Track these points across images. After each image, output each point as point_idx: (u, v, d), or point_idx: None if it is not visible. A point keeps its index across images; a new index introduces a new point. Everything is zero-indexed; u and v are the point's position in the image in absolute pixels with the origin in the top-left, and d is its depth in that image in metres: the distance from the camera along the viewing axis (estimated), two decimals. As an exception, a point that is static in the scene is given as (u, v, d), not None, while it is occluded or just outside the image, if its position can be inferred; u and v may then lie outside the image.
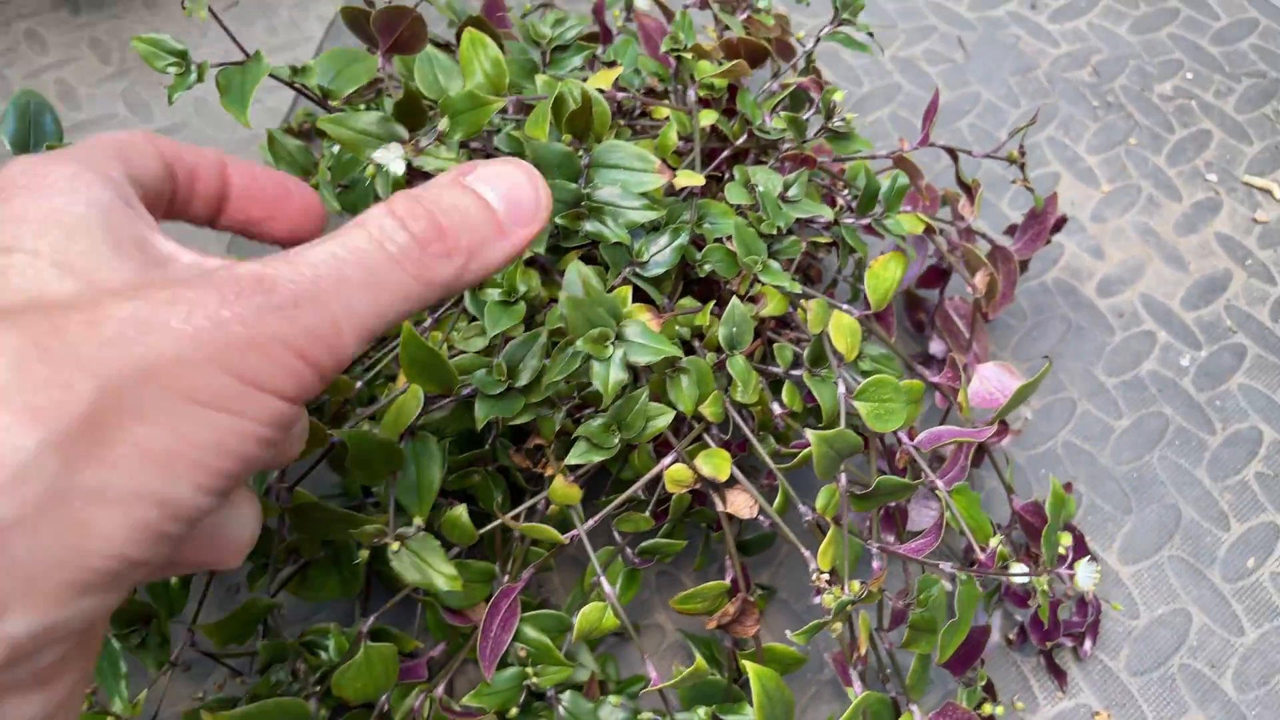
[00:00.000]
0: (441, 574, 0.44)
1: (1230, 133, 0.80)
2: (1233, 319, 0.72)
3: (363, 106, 0.59)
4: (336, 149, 0.60)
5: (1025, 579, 0.40)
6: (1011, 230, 0.66)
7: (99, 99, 0.79)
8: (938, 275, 0.65)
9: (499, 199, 0.34)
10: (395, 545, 0.43)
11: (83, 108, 0.78)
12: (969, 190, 0.58)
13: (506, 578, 0.52)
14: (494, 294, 0.46)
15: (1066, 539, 0.38)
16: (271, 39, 0.82)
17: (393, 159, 0.44)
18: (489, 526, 0.49)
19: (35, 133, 0.53)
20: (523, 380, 0.44)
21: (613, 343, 0.39)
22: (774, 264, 0.47)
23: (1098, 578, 0.38)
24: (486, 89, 0.51)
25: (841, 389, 0.47)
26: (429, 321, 0.51)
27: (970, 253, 0.58)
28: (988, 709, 0.53)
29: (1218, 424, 0.68)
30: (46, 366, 0.25)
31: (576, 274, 0.42)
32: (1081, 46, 0.85)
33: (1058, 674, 0.59)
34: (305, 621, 0.60)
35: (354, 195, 0.60)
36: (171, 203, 0.37)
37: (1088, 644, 0.59)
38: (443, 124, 0.47)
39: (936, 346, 0.67)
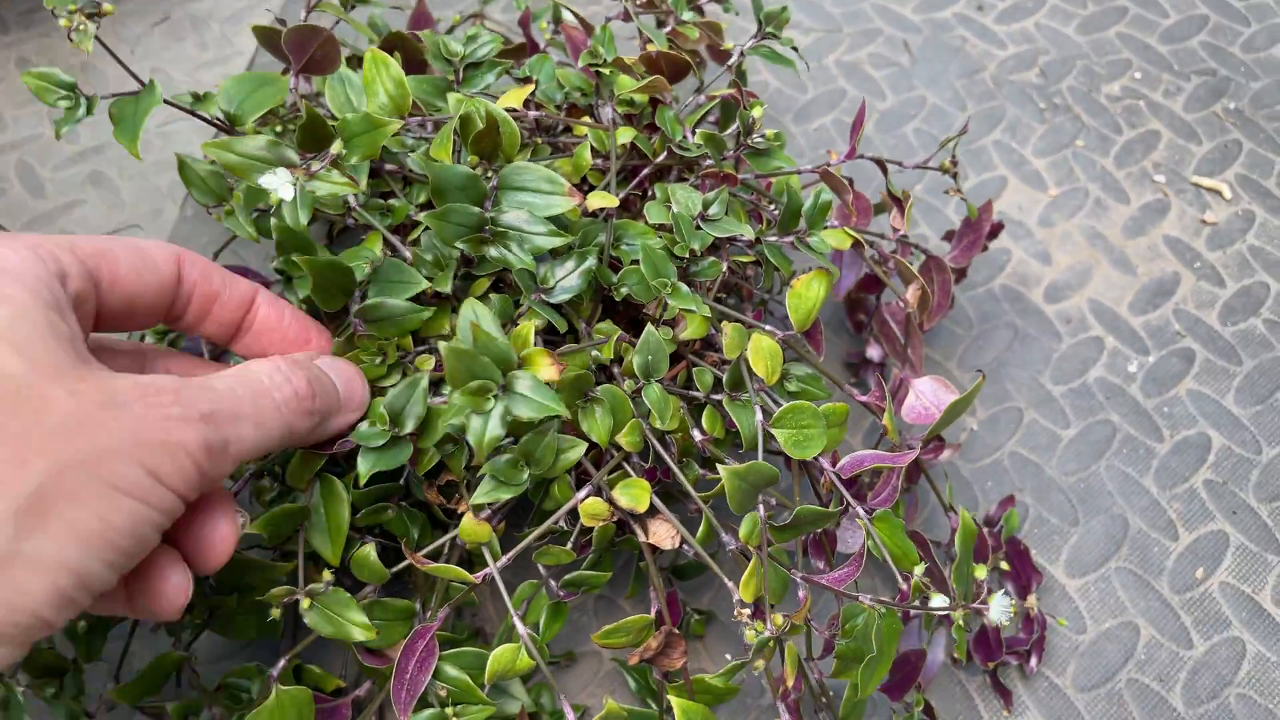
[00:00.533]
0: (355, 625, 0.43)
1: (1179, 133, 0.79)
2: (1181, 323, 0.71)
3: (278, 129, 0.58)
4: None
5: (945, 611, 0.39)
6: (949, 237, 0.65)
7: (24, 120, 0.77)
8: (874, 280, 0.64)
9: (341, 385, 0.43)
10: (306, 602, 0.42)
11: (8, 129, 0.77)
12: (899, 202, 0.57)
13: (429, 614, 0.51)
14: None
15: (981, 571, 0.37)
16: (203, 54, 0.80)
17: (280, 184, 0.43)
18: (402, 564, 0.47)
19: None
20: (408, 428, 0.43)
21: (495, 395, 0.38)
22: (684, 287, 0.45)
23: (1012, 611, 0.36)
24: (389, 110, 0.49)
25: (759, 416, 0.46)
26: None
27: (901, 265, 0.56)
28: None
29: (1166, 431, 0.67)
30: (5, 446, 0.30)
31: (470, 314, 0.40)
32: (1029, 48, 0.83)
33: (1003, 693, 0.58)
34: (231, 659, 0.58)
35: (268, 222, 0.58)
36: (173, 314, 0.43)
37: (1033, 661, 0.58)
38: (335, 146, 0.45)
39: (874, 350, 0.65)
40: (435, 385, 0.47)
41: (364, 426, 0.42)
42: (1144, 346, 0.70)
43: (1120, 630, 0.60)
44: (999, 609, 0.36)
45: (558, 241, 0.44)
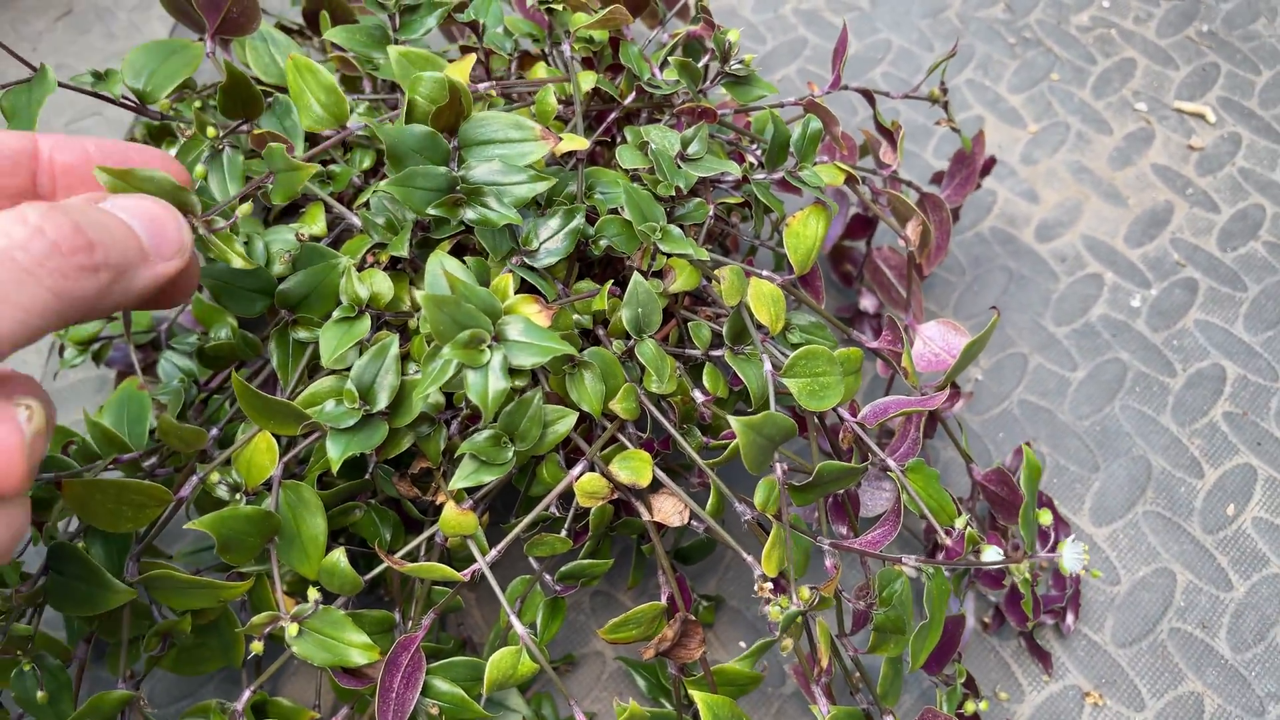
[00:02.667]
0: (355, 647, 0.37)
1: (1155, 59, 0.75)
2: (1180, 252, 0.67)
3: (197, 104, 0.52)
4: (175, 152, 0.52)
5: (1000, 564, 0.34)
6: (938, 179, 0.61)
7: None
8: (863, 225, 0.59)
9: (142, 229, 0.33)
10: (294, 629, 0.36)
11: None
12: (890, 135, 0.53)
13: (409, 624, 0.45)
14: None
15: (1046, 516, 0.33)
16: (110, 45, 0.73)
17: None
18: (377, 570, 0.42)
19: None
20: (380, 403, 0.37)
21: (490, 345, 0.32)
22: (675, 230, 0.40)
23: (1086, 558, 0.32)
24: (326, 122, 0.44)
25: (768, 366, 0.41)
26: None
27: (898, 201, 0.52)
28: (970, 707, 0.47)
29: (1178, 365, 0.63)
30: None
31: (438, 267, 0.35)
32: (991, -18, 0.80)
33: (1041, 656, 0.53)
34: (192, 697, 0.52)
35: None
36: None
37: (1070, 619, 0.54)
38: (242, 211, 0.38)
39: (868, 301, 0.61)
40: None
41: (330, 405, 0.36)
42: (1144, 279, 0.66)
43: (1155, 578, 0.56)
44: (1072, 556, 0.32)
45: (541, 187, 0.38)
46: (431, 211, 0.40)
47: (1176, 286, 0.66)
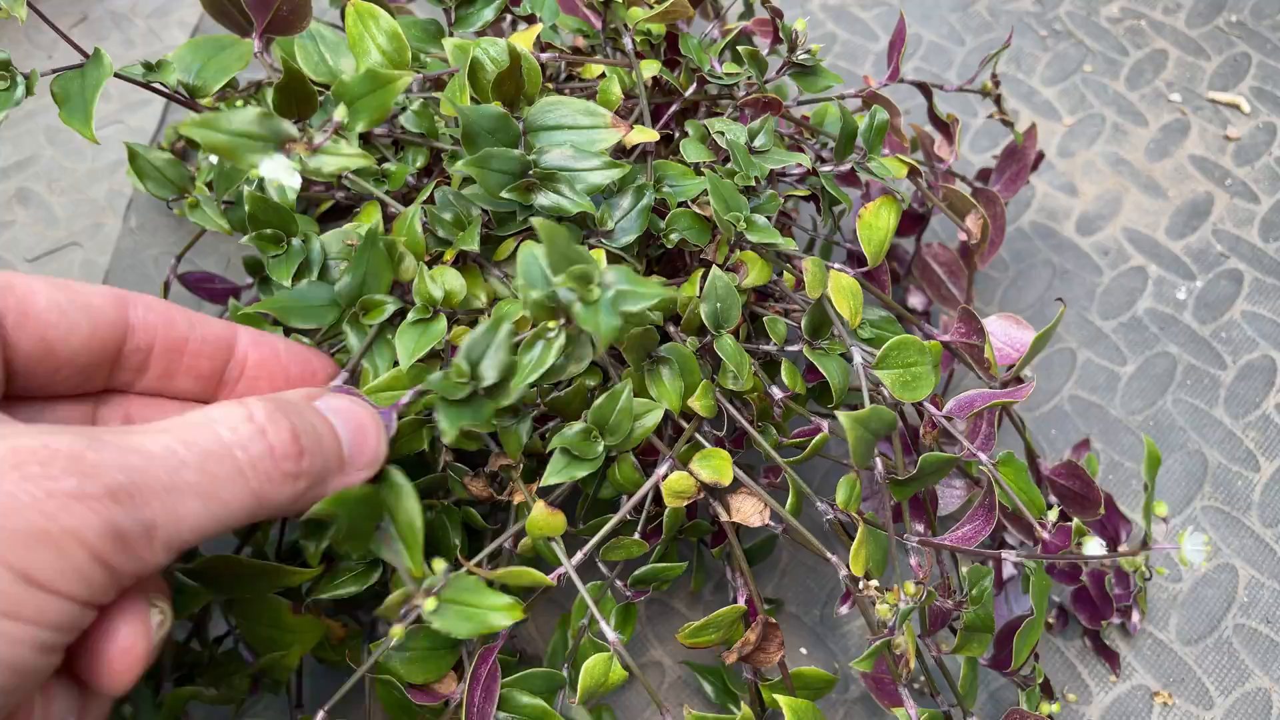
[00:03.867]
0: (498, 610, 0.34)
1: (1186, 49, 0.75)
2: (1222, 243, 0.67)
3: (239, 103, 0.50)
4: (216, 159, 0.51)
5: (1109, 557, 0.33)
6: (984, 175, 0.60)
7: (-68, 139, 0.68)
8: (913, 221, 0.58)
9: (347, 436, 0.33)
10: (431, 603, 0.34)
11: (-85, 151, 0.68)
12: (946, 128, 0.52)
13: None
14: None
15: (1162, 508, 0.32)
16: (129, 52, 0.72)
17: (280, 171, 0.35)
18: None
19: None
20: (488, 379, 0.35)
21: (597, 284, 0.31)
22: (760, 219, 0.39)
23: (1208, 549, 0.31)
24: (386, 67, 0.43)
25: (859, 359, 0.40)
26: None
27: (956, 195, 0.51)
28: (1046, 708, 0.46)
29: (1227, 357, 0.62)
30: None
31: (535, 244, 0.33)
32: (1018, -24, 0.79)
33: (1108, 656, 0.52)
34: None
35: (242, 210, 0.51)
36: (122, 374, 0.34)
37: (1135, 617, 0.53)
38: (339, 112, 0.38)
39: (916, 299, 0.60)
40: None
41: (437, 376, 0.33)
42: (1189, 271, 0.65)
43: (1217, 574, 0.55)
44: (1193, 548, 0.31)
45: (615, 173, 0.37)
46: (505, 195, 0.39)
47: (1222, 278, 0.65)
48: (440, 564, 0.34)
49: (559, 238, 0.30)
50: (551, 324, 0.33)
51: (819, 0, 0.78)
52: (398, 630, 0.35)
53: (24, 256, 0.64)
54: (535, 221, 0.29)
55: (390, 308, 0.39)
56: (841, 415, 0.34)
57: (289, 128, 0.37)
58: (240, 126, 0.37)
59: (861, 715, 0.51)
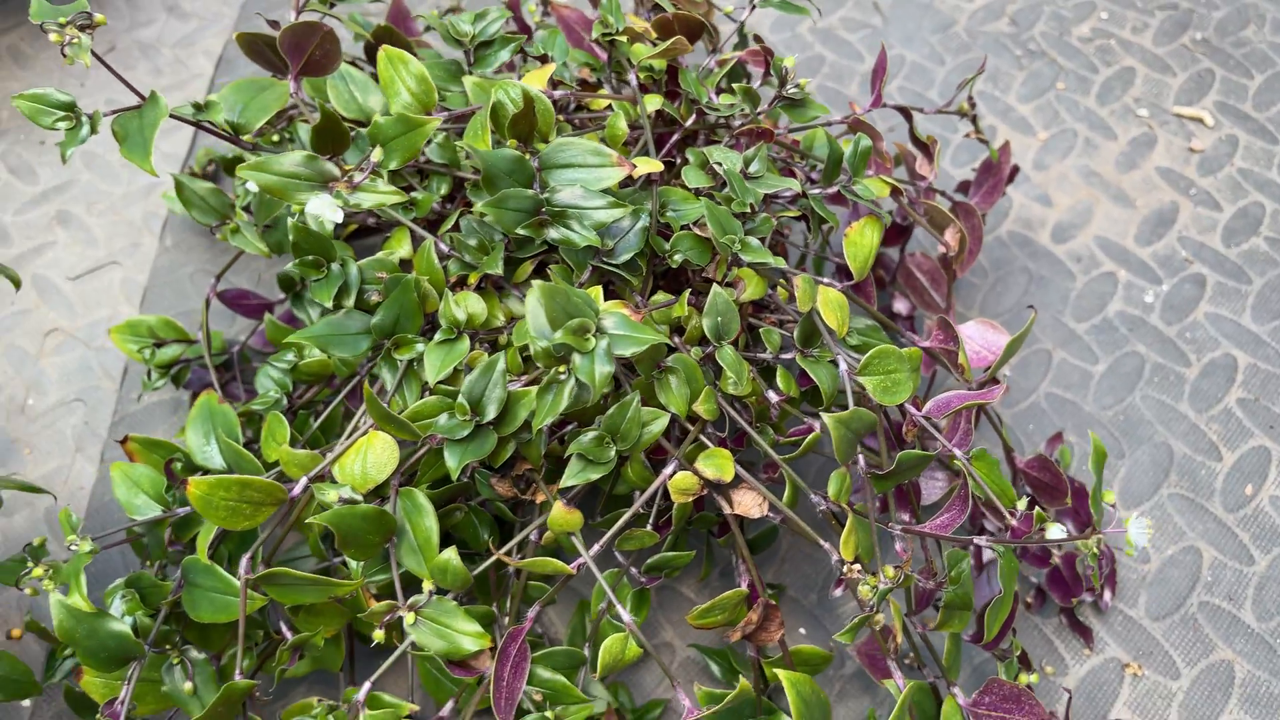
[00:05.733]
0: (466, 635, 0.40)
1: (1153, 67, 0.80)
2: (1187, 249, 0.71)
3: (275, 139, 0.55)
4: (253, 187, 0.55)
5: (1069, 540, 0.37)
6: (964, 187, 0.64)
7: (-25, 167, 0.72)
8: (897, 233, 0.63)
9: None
10: (411, 617, 0.39)
11: (-42, 179, 0.72)
12: (926, 148, 0.56)
13: (506, 619, 0.48)
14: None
15: (1111, 496, 0.36)
16: (158, 80, 0.76)
17: (327, 208, 0.40)
18: (482, 566, 0.45)
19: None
20: (490, 414, 0.41)
21: (594, 334, 0.36)
22: (754, 241, 0.44)
23: (1150, 532, 0.35)
24: (414, 108, 0.47)
25: (843, 366, 0.44)
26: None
27: (936, 210, 0.55)
28: (1024, 679, 0.51)
29: (1192, 356, 0.67)
30: None
31: (537, 291, 0.38)
32: (995, -2, 0.84)
33: (1082, 631, 0.57)
34: (285, 698, 0.55)
35: (279, 233, 0.55)
36: None
37: (1107, 595, 0.57)
38: (375, 154, 0.42)
39: (901, 304, 0.65)
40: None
41: (444, 419, 0.39)
42: (1156, 276, 0.70)
43: (1183, 555, 0.60)
44: (1138, 530, 0.35)
45: (619, 213, 0.42)
46: (520, 231, 0.43)
47: (1186, 282, 0.70)
48: (428, 584, 0.40)
49: (557, 296, 0.34)
50: (561, 369, 0.38)
51: (807, 23, 0.82)
52: (378, 634, 0.41)
53: (65, 275, 0.68)
54: (536, 286, 0.33)
55: (419, 347, 0.44)
56: (825, 416, 0.39)
57: (332, 168, 0.42)
58: (289, 168, 0.42)
59: (856, 690, 0.56)
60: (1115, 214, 0.73)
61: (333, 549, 0.52)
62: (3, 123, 0.74)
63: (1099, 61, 0.80)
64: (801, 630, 0.58)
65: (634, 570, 0.48)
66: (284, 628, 0.48)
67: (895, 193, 0.52)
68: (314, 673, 0.55)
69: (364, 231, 0.59)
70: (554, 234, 0.43)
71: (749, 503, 0.45)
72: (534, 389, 0.41)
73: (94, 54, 0.49)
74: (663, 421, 0.43)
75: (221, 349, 0.60)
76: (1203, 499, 0.62)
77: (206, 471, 0.50)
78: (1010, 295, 0.69)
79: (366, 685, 0.43)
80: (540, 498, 0.45)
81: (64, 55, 0.45)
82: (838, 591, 0.48)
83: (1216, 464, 0.63)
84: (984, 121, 0.77)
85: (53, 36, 0.45)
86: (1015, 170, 0.63)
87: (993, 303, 0.69)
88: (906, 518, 0.50)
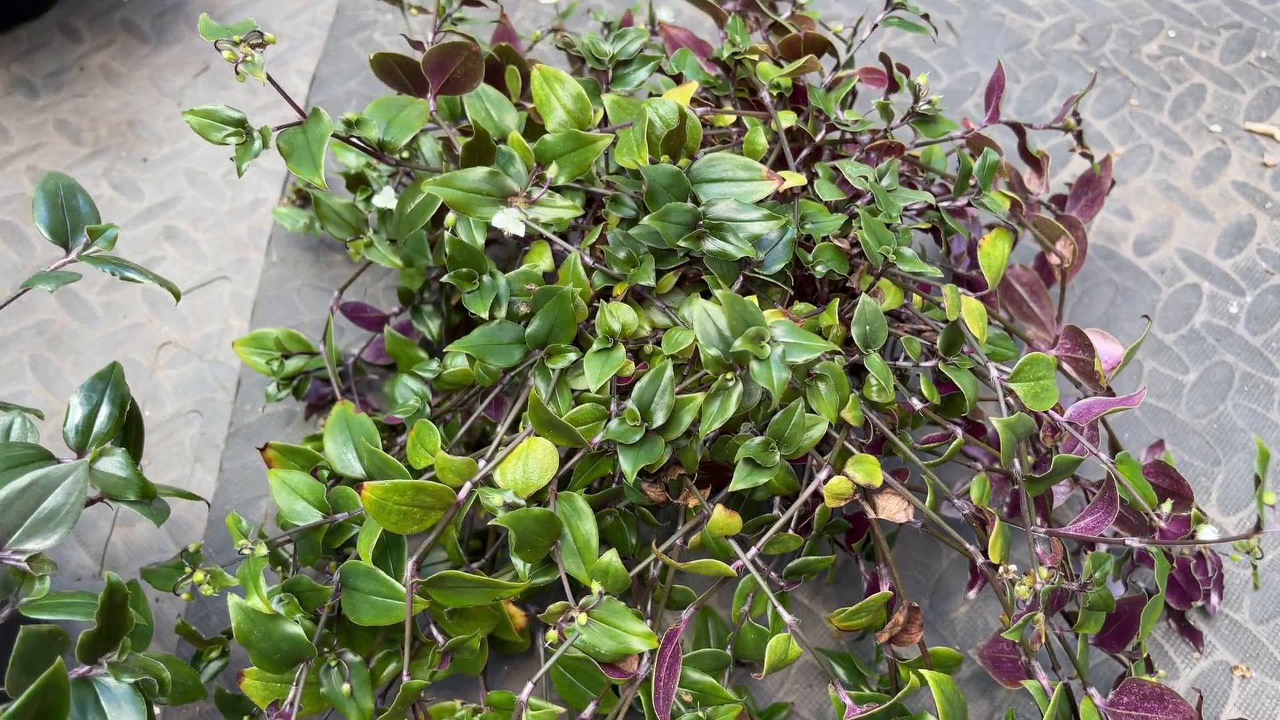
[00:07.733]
0: (636, 635, 0.41)
1: (1222, 84, 0.81)
2: (1267, 262, 0.73)
3: (405, 154, 0.56)
4: (380, 203, 0.57)
5: (1223, 541, 0.39)
6: (1059, 200, 0.66)
7: (80, 181, 0.74)
8: (999, 250, 0.64)
9: None
10: (583, 618, 0.40)
11: (61, 195, 0.73)
12: (1037, 163, 0.58)
13: (649, 622, 0.49)
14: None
15: (1270, 497, 0.37)
16: (255, 100, 0.78)
17: (512, 222, 0.42)
18: (641, 565, 0.46)
19: (71, 217, 0.49)
20: (658, 420, 0.42)
21: (769, 342, 0.37)
22: (908, 251, 0.45)
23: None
24: (570, 125, 0.48)
25: (995, 373, 0.45)
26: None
27: (1046, 223, 0.57)
28: (1149, 680, 0.52)
29: (1279, 365, 0.68)
30: None
31: (701, 305, 0.40)
32: (1064, 17, 0.86)
33: (1192, 635, 0.58)
34: (419, 704, 0.56)
35: (409, 247, 0.57)
36: None
37: (1214, 599, 0.59)
38: (551, 170, 0.44)
39: (1000, 315, 0.66)
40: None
41: (614, 425, 0.41)
42: (1238, 287, 0.72)
43: (1283, 560, 0.61)
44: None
45: (773, 226, 0.43)
46: (681, 244, 0.45)
47: (1269, 293, 0.71)
48: (596, 586, 0.41)
49: (738, 305, 0.36)
50: (729, 375, 0.39)
51: (882, 42, 0.84)
52: (552, 635, 0.42)
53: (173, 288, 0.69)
54: (719, 293, 0.35)
55: (572, 356, 0.46)
56: (996, 421, 0.40)
57: (512, 184, 0.43)
58: (472, 184, 0.43)
59: (973, 694, 0.57)
60: (1195, 227, 0.74)
61: (471, 554, 0.53)
62: (101, 140, 0.76)
63: (1169, 78, 0.82)
64: (998, 626, 0.59)
65: (774, 574, 0.49)
66: (435, 631, 0.49)
67: (1016, 207, 0.54)
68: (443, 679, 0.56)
69: (490, 243, 0.60)
70: (710, 245, 0.44)
71: (893, 507, 0.47)
72: (698, 396, 0.42)
73: (271, 80, 0.50)
74: (821, 427, 0.44)
75: (338, 361, 0.61)
76: (1299, 505, 0.63)
77: (340, 480, 0.51)
78: (1098, 307, 0.71)
79: (529, 686, 0.44)
80: (692, 502, 0.46)
81: (237, 73, 0.46)
82: (972, 593, 0.50)
83: (1310, 470, 0.64)
84: (1062, 137, 0.79)
85: (226, 55, 0.46)
86: (1113, 184, 0.64)
87: (1081, 313, 0.71)
88: (1039, 521, 0.51)
